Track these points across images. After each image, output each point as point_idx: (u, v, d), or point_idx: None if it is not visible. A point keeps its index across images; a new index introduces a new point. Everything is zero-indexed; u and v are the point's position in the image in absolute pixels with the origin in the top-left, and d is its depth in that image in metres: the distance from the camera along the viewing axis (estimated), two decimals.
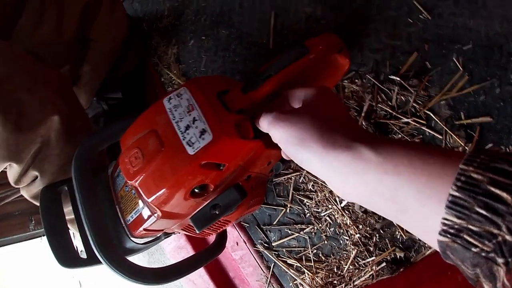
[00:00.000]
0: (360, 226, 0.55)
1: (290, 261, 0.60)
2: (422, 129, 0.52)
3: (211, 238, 0.69)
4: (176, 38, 0.71)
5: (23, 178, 0.55)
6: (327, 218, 0.57)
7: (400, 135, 0.53)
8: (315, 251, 0.58)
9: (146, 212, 0.43)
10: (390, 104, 0.53)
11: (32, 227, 1.20)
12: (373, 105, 0.54)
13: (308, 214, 0.58)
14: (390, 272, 0.53)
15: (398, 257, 0.53)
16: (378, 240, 0.54)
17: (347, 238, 0.56)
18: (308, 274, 0.58)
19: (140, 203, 0.44)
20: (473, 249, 0.19)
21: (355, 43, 0.55)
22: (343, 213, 0.56)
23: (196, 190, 0.38)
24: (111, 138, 0.50)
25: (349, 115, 0.32)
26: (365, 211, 0.55)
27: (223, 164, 0.37)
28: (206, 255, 0.55)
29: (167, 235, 0.55)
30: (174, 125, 0.37)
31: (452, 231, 0.20)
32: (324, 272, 0.57)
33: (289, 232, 0.60)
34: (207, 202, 0.40)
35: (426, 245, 0.52)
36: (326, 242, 0.58)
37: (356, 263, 0.55)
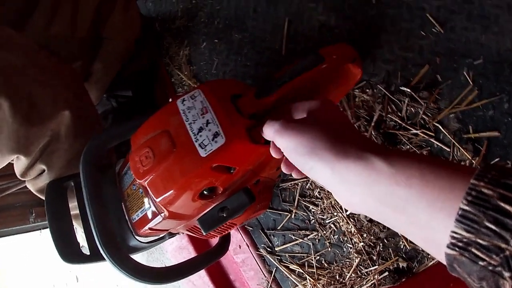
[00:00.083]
0: (365, 235, 0.55)
1: (292, 267, 0.60)
2: (430, 141, 0.52)
3: (213, 240, 0.69)
4: (188, 39, 0.71)
5: (30, 171, 0.55)
6: (332, 225, 0.57)
7: (408, 146, 0.53)
8: (318, 257, 0.58)
9: (152, 212, 0.43)
10: (400, 115, 0.54)
11: (32, 220, 1.19)
12: (383, 115, 0.54)
13: (313, 220, 0.59)
14: (392, 282, 0.53)
15: (401, 267, 0.53)
16: (381, 249, 0.54)
17: (351, 246, 0.56)
18: (309, 280, 0.58)
19: (147, 202, 0.44)
20: (481, 263, 0.20)
21: (368, 53, 0.56)
22: (348, 221, 0.56)
23: (205, 192, 0.38)
24: (121, 136, 0.50)
25: (355, 127, 0.32)
26: (370, 220, 0.55)
27: (233, 167, 0.37)
28: (209, 257, 0.55)
29: (172, 235, 0.55)
30: (187, 126, 0.37)
31: (460, 244, 0.21)
32: (326, 279, 0.57)
33: (293, 237, 0.60)
34: (214, 205, 0.41)
35: (429, 257, 0.52)
36: (329, 249, 0.58)
37: (358, 271, 0.56)
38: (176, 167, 0.36)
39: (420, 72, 0.53)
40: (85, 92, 0.57)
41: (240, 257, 0.66)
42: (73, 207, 0.55)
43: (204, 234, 0.42)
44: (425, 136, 0.52)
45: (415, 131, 0.52)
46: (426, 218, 0.23)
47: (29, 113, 0.48)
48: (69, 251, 0.51)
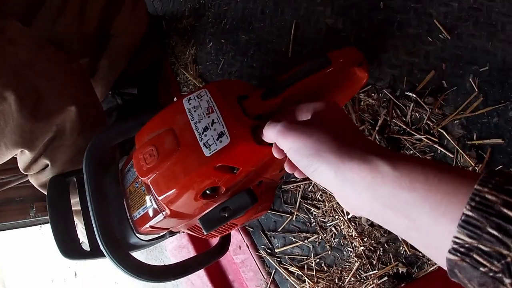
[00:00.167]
0: (365, 239, 0.55)
1: (291, 269, 0.60)
2: (434, 146, 0.52)
3: (213, 240, 0.69)
4: (195, 39, 0.72)
5: (33, 165, 0.55)
6: (333, 229, 0.57)
7: (412, 152, 0.53)
8: (317, 260, 0.58)
9: (154, 210, 0.43)
10: (405, 120, 0.54)
11: (33, 214, 1.20)
12: (387, 120, 0.54)
13: (314, 223, 0.59)
14: (391, 287, 0.53)
15: (400, 272, 0.53)
16: (382, 254, 0.54)
17: (351, 250, 0.56)
18: (308, 283, 0.58)
19: (149, 200, 0.44)
20: (482, 269, 0.20)
21: (374, 57, 0.56)
22: (349, 224, 0.56)
23: (208, 192, 0.38)
24: (126, 134, 0.50)
25: (359, 130, 0.32)
26: (372, 224, 0.55)
27: (237, 168, 0.37)
28: (208, 257, 0.55)
29: (172, 233, 0.55)
30: (193, 125, 0.37)
31: (462, 249, 0.21)
32: (325, 282, 0.57)
33: (293, 239, 0.60)
34: (216, 205, 0.41)
35: (429, 262, 0.52)
36: (329, 252, 0.58)
37: (358, 275, 0.55)
38: (180, 165, 0.36)
39: (425, 77, 0.53)
40: (91, 89, 0.58)
41: (239, 257, 0.66)
42: (75, 203, 0.56)
43: (205, 233, 0.42)
44: (429, 142, 0.52)
45: (419, 137, 0.52)
46: (428, 222, 0.23)
47: (35, 108, 0.48)
48: (69, 247, 0.51)
